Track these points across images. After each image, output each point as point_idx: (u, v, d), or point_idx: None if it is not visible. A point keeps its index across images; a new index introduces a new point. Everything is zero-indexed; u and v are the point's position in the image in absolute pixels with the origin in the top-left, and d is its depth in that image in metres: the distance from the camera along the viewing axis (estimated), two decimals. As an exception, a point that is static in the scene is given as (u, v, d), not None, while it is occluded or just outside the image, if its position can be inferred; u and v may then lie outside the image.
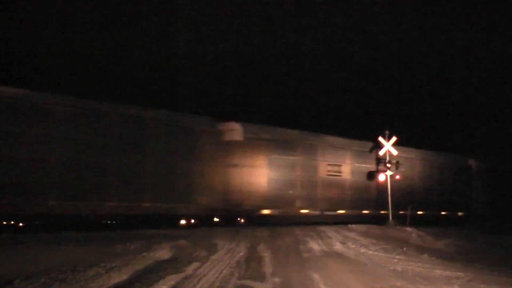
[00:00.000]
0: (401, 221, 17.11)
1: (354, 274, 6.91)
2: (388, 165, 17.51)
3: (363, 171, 18.26)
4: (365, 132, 20.81)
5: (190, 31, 28.48)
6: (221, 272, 6.64)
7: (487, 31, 33.42)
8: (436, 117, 32.00)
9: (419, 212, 18.97)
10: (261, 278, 6.38)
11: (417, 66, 35.00)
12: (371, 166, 18.38)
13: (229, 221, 14.72)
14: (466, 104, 31.88)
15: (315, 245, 10.33)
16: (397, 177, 17.67)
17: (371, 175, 18.40)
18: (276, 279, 6.30)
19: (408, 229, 15.01)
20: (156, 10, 26.71)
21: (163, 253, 8.07)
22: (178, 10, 26.52)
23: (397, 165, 17.53)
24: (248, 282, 6.06)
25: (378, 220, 17.26)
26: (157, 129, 12.93)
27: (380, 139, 17.85)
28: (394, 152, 17.76)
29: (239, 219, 15.17)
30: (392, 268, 7.67)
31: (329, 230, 13.53)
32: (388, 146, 17.72)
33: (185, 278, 6.12)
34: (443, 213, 20.93)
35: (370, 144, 18.57)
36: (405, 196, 18.40)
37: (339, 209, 17.31)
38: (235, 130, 14.49)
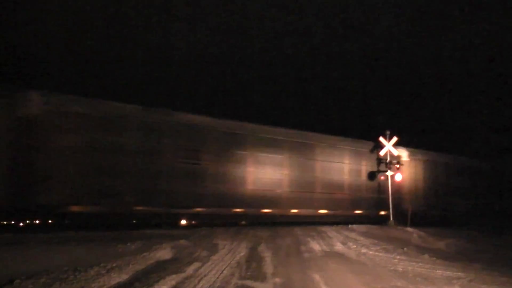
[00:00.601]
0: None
1: (355, 274, 6.91)
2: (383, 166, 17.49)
3: (235, 160, 14.78)
4: (365, 132, 20.78)
5: (188, 30, 28.43)
6: (222, 272, 6.64)
7: (487, 30, 33.41)
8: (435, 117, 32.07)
9: (339, 212, 16.66)
10: (262, 278, 6.38)
11: (416, 66, 35.00)
12: (246, 153, 14.98)
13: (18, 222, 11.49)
14: (465, 103, 31.94)
15: (315, 245, 10.32)
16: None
17: (372, 175, 18.35)
18: (277, 279, 6.30)
19: (409, 229, 15.02)
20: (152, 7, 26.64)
21: (164, 253, 8.07)
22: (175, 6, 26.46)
23: None
24: (248, 282, 6.05)
25: (257, 223, 14.44)
26: None
27: (381, 139, 17.86)
28: (395, 152, 17.75)
29: (31, 218, 11.70)
30: (392, 268, 7.66)
31: (330, 230, 13.60)
32: (389, 146, 17.73)
33: (186, 278, 6.12)
34: (357, 212, 17.60)
35: (244, 126, 15.41)
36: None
37: (195, 207, 13.72)
38: (31, 102, 11.29)
